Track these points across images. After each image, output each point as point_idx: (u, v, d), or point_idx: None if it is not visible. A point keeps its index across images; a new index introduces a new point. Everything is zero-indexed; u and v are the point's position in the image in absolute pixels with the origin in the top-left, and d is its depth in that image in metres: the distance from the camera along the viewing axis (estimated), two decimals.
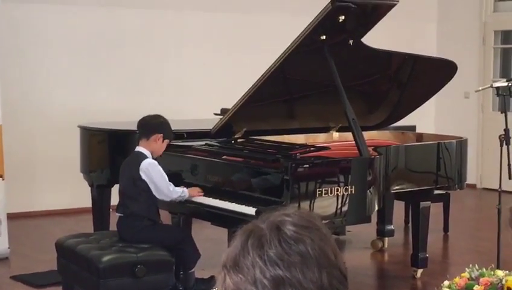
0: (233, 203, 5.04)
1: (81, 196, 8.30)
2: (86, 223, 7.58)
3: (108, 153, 6.59)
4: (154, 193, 5.24)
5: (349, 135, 6.48)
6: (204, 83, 9.95)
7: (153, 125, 5.37)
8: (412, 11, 11.35)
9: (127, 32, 9.54)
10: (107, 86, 9.41)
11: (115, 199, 6.55)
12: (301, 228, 1.60)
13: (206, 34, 10.04)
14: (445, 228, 8.24)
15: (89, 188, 6.89)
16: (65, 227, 8.16)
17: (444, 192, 7.48)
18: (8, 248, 7.21)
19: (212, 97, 9.43)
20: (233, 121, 6.09)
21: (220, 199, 5.18)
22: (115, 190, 6.49)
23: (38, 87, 9.05)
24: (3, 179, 7.20)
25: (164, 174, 5.24)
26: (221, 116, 7.46)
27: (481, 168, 11.19)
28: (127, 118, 7.99)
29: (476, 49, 11.30)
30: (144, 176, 5.19)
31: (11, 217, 7.65)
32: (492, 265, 5.13)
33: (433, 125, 11.41)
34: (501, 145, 6.11)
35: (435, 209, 7.48)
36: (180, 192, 5.27)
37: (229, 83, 9.85)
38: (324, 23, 5.27)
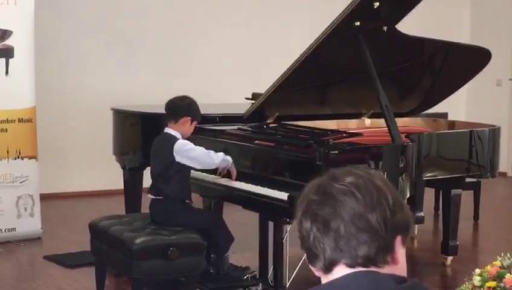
0: (266, 188, 5.05)
1: (112, 177, 8.39)
2: (117, 205, 7.64)
3: (141, 135, 6.62)
4: (198, 166, 5.26)
5: (381, 122, 6.49)
6: (234, 66, 9.98)
7: (180, 107, 5.34)
8: None
9: (157, 15, 9.59)
10: (138, 69, 9.48)
11: (146, 182, 6.61)
12: (354, 186, 1.75)
13: (236, 16, 10.06)
14: (476, 216, 8.23)
15: (120, 170, 6.93)
16: (97, 208, 8.23)
17: (476, 180, 7.46)
18: (41, 228, 7.30)
19: (242, 81, 9.44)
20: (265, 105, 6.11)
21: (252, 184, 5.20)
22: (147, 172, 6.55)
23: (71, 69, 9.13)
24: (36, 160, 7.28)
25: (198, 147, 5.25)
26: (252, 101, 7.49)
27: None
28: (157, 101, 8.02)
29: (509, 35, 11.23)
30: (178, 158, 5.18)
31: (43, 197, 7.72)
32: None
33: (465, 113, 11.36)
34: None
35: (465, 197, 7.47)
36: (222, 155, 5.27)
37: (258, 67, 9.89)
38: (359, 9, 5.26)
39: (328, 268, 1.75)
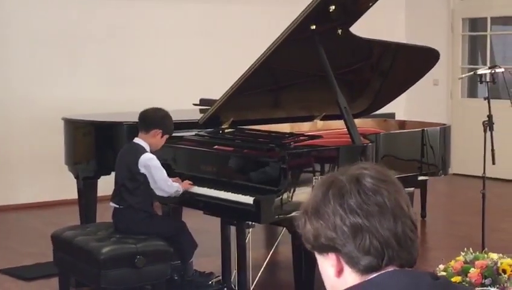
0: (229, 193, 5.05)
1: (62, 188, 8.32)
2: (68, 215, 7.59)
3: (94, 145, 6.57)
4: (153, 188, 5.20)
5: (333, 124, 6.57)
6: (180, 73, 9.98)
7: (152, 119, 5.29)
8: None
9: (103, 24, 9.53)
10: (84, 78, 9.42)
11: (101, 191, 6.57)
12: (378, 181, 1.76)
13: (181, 24, 10.07)
14: (423, 213, 8.38)
15: (71, 180, 6.86)
16: (46, 220, 8.16)
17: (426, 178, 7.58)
18: None
19: (186, 88, 9.48)
20: (220, 111, 6.11)
21: (215, 189, 5.20)
22: (102, 181, 6.51)
23: (16, 80, 9.01)
24: None
25: (163, 169, 5.20)
26: (200, 107, 7.51)
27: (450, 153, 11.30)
28: (105, 110, 8.00)
29: (444, 36, 11.45)
30: (143, 170, 5.15)
31: None
32: (486, 249, 5.25)
33: (403, 112, 11.51)
34: (484, 131, 6.23)
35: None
36: (176, 187, 5.23)
37: (204, 73, 9.91)
38: (315, 12, 5.32)
39: (375, 269, 1.72)
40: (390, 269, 1.73)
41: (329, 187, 1.78)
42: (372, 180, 1.75)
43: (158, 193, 5.24)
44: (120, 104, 8.65)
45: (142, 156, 5.15)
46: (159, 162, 5.21)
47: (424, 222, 8.35)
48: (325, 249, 1.77)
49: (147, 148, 5.22)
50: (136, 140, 5.28)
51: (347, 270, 1.76)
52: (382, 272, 1.73)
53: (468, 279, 4.65)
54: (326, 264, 1.79)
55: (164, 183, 5.19)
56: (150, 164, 5.15)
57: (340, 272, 1.77)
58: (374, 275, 1.73)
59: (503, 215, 8.43)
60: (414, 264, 1.78)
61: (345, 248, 1.73)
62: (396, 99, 6.99)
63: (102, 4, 9.53)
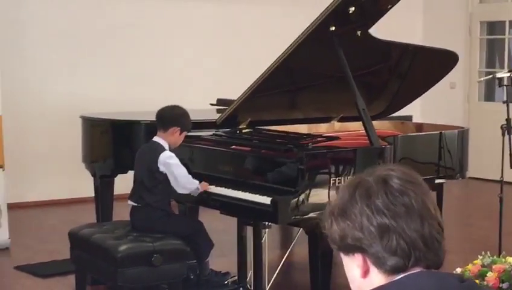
0: (247, 193, 5.05)
1: (79, 186, 8.34)
2: (84, 213, 7.61)
3: (111, 143, 6.59)
4: (174, 186, 5.21)
5: (350, 125, 6.57)
6: (196, 73, 9.99)
7: (169, 117, 5.31)
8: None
9: (121, 23, 9.56)
10: (103, 77, 9.46)
11: (117, 189, 6.59)
12: (405, 182, 1.76)
13: (198, 24, 10.09)
14: None
15: (88, 178, 6.89)
16: (63, 217, 8.20)
17: (443, 181, 7.56)
18: (9, 238, 7.21)
19: (203, 87, 9.50)
20: (238, 111, 6.12)
21: (233, 189, 5.20)
22: (119, 180, 6.53)
23: (35, 77, 9.05)
24: (3, 170, 7.19)
25: (183, 166, 5.20)
26: (217, 107, 7.51)
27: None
28: (122, 108, 8.03)
29: (461, 39, 11.42)
30: (162, 168, 5.16)
31: (9, 207, 7.61)
32: (504, 253, 5.24)
33: (420, 115, 11.48)
34: (503, 135, 6.20)
35: None
36: (196, 183, 5.22)
37: (220, 73, 9.93)
38: (334, 14, 5.31)
39: (402, 270, 1.73)
40: (416, 270, 1.74)
41: (356, 188, 1.78)
42: (400, 182, 1.76)
43: (179, 190, 5.23)
44: (136, 103, 8.70)
45: (161, 154, 5.17)
46: (178, 159, 5.21)
47: None
48: (352, 249, 1.77)
49: (166, 146, 5.24)
50: (155, 138, 5.30)
51: (373, 271, 1.76)
52: (408, 273, 1.73)
53: (485, 283, 4.64)
54: (352, 264, 1.79)
55: (186, 180, 5.19)
56: (169, 161, 5.16)
57: (366, 272, 1.77)
58: (400, 276, 1.73)
59: None
60: (440, 266, 1.78)
61: (372, 248, 1.73)
62: (413, 102, 6.97)
63: (118, 3, 9.56)
